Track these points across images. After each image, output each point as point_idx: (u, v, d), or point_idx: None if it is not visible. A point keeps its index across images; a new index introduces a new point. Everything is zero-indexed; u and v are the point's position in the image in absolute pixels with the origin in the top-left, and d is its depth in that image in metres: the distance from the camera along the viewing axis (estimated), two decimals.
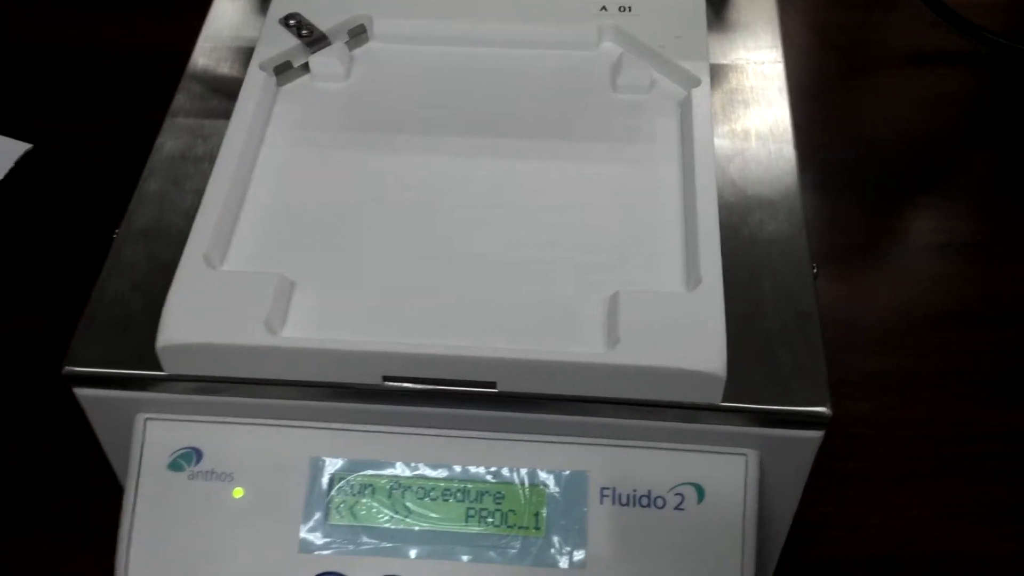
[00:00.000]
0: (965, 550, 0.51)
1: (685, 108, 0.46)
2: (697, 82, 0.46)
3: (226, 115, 0.47)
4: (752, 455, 0.39)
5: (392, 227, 0.41)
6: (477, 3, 0.50)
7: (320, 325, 0.38)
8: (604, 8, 0.49)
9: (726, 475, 0.38)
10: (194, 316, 0.37)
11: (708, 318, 0.37)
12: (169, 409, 0.39)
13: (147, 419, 0.39)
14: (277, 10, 0.49)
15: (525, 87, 0.47)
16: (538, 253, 0.40)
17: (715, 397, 0.37)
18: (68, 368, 0.38)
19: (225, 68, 0.50)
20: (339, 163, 0.44)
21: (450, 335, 0.37)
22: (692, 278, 0.39)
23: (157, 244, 0.42)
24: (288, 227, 0.41)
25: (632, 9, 0.49)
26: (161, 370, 0.38)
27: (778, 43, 0.51)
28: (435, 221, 0.41)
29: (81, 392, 0.39)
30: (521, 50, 0.49)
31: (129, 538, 0.38)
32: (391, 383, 0.37)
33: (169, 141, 0.46)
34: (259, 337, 0.36)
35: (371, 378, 0.37)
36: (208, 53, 0.51)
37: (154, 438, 0.39)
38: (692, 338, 0.36)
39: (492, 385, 0.37)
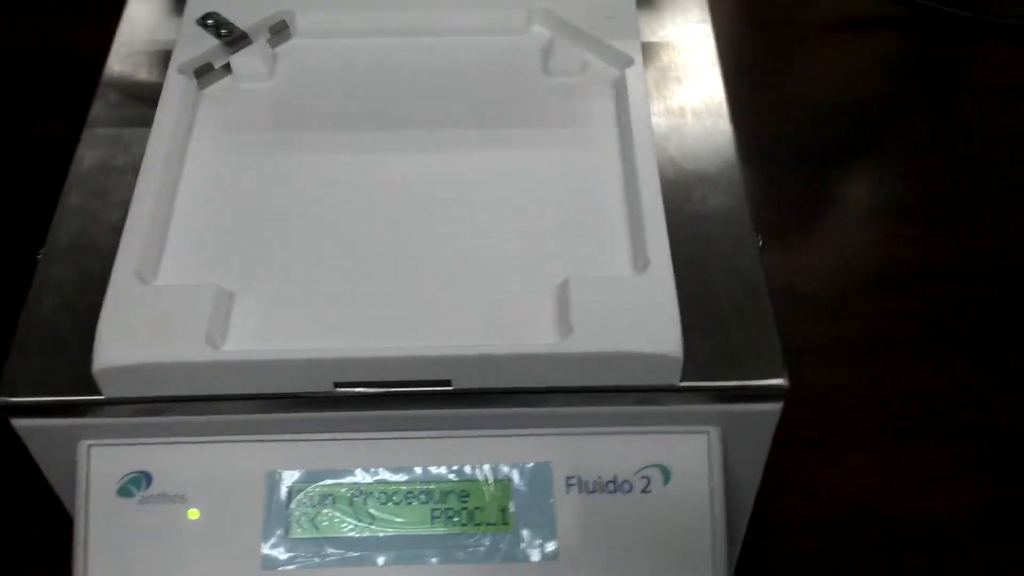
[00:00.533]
0: (918, 510, 0.52)
1: (620, 89, 0.45)
2: (630, 61, 0.46)
3: (146, 123, 0.45)
4: (714, 432, 0.38)
5: (328, 230, 0.40)
6: None
7: (263, 335, 0.36)
8: None
9: (689, 454, 0.38)
10: (130, 335, 0.35)
11: (660, 299, 0.37)
12: (113, 433, 0.38)
13: (90, 445, 0.38)
14: (194, 9, 0.47)
15: (455, 76, 0.46)
16: (482, 246, 0.39)
17: (673, 378, 0.37)
18: (2, 399, 0.36)
19: (143, 73, 0.48)
20: (268, 167, 0.42)
21: (399, 336, 0.36)
22: (640, 260, 0.38)
23: (85, 261, 0.40)
24: (221, 236, 0.40)
25: None
26: (100, 394, 0.36)
27: (707, 18, 0.51)
28: (372, 221, 0.40)
29: (19, 423, 0.37)
30: (449, 38, 0.48)
31: (85, 570, 0.36)
32: (343, 389, 0.36)
33: (88, 152, 0.44)
34: (201, 352, 0.35)
35: (322, 385, 0.36)
36: (124, 58, 0.49)
37: (100, 465, 0.37)
38: (645, 321, 0.36)
39: (447, 383, 0.36)
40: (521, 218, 0.41)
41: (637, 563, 0.37)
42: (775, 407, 0.38)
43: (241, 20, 0.47)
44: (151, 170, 0.40)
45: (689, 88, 0.47)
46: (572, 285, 0.37)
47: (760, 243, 0.42)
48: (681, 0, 0.51)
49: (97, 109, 0.46)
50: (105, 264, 0.40)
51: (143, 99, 0.46)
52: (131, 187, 0.42)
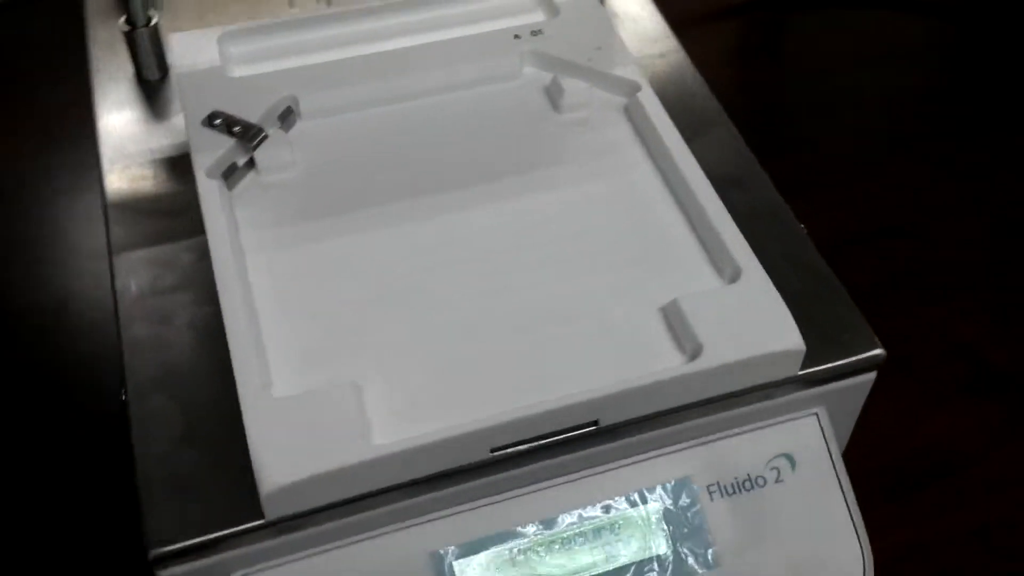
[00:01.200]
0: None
1: (634, 113, 0.47)
2: (637, 87, 0.48)
3: (176, 236, 0.44)
4: (821, 411, 0.41)
5: (418, 301, 0.40)
6: (391, 60, 0.49)
7: (406, 421, 0.36)
8: (517, 36, 0.50)
9: (806, 437, 0.41)
10: (290, 451, 0.34)
11: (768, 300, 0.39)
12: (268, 556, 0.36)
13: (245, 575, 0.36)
14: (194, 114, 0.46)
15: (470, 129, 0.47)
16: (570, 286, 0.41)
17: (793, 369, 0.39)
18: (156, 551, 0.35)
19: (149, 186, 0.46)
20: (330, 254, 0.42)
21: (538, 389, 0.37)
22: (728, 269, 0.40)
23: (176, 391, 0.39)
24: (318, 333, 0.39)
25: (543, 31, 0.50)
26: (258, 519, 0.35)
27: (669, 33, 0.54)
28: (456, 283, 0.41)
29: (167, 572, 0.35)
30: (449, 95, 0.49)
31: None
32: (498, 452, 0.37)
33: (130, 279, 0.42)
34: (365, 452, 0.35)
35: (478, 454, 0.37)
36: (121, 175, 0.47)
37: None
38: (764, 322, 0.38)
39: (595, 423, 0.37)
40: (593, 252, 0.42)
41: (791, 549, 0.39)
42: (872, 375, 0.41)
43: (244, 114, 0.46)
44: (229, 285, 0.39)
45: (682, 100, 0.49)
46: (683, 304, 0.38)
47: (805, 231, 0.45)
48: (639, 19, 0.53)
49: (117, 233, 0.44)
50: (201, 390, 0.38)
51: (161, 212, 0.45)
52: (193, 305, 0.41)
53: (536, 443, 0.37)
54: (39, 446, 0.58)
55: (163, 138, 0.49)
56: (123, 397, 0.39)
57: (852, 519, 0.40)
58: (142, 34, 0.50)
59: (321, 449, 0.35)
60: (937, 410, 0.61)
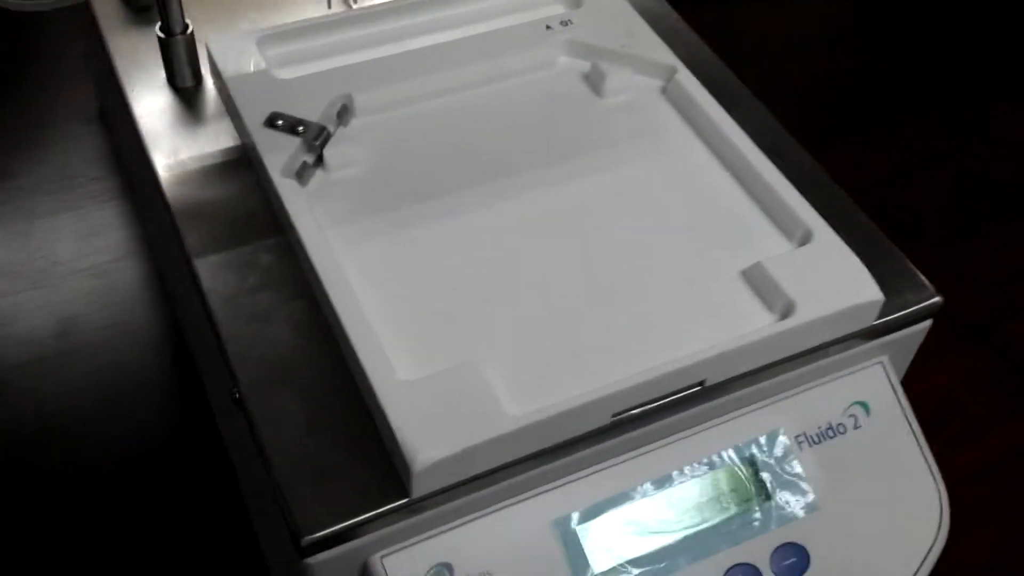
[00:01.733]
0: None
1: (675, 94, 0.50)
2: (674, 69, 0.50)
3: (250, 239, 0.44)
4: (885, 360, 0.44)
5: (514, 281, 0.42)
6: (435, 55, 0.50)
7: (529, 394, 0.38)
8: (549, 27, 0.52)
9: (876, 384, 0.44)
10: (434, 431, 0.36)
11: (843, 258, 0.42)
12: (404, 537, 0.37)
13: (383, 556, 0.37)
14: (253, 117, 0.46)
15: (520, 117, 0.49)
16: (648, 259, 0.43)
17: (870, 320, 0.42)
18: (308, 538, 0.35)
19: (210, 191, 0.47)
20: (412, 242, 0.43)
21: (647, 356, 0.39)
22: (799, 233, 0.43)
23: (292, 384, 0.39)
24: (424, 318, 0.40)
25: (573, 21, 0.52)
26: (402, 498, 0.36)
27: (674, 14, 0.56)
28: (542, 261, 0.42)
29: (314, 560, 0.36)
30: (494, 86, 0.50)
31: None
32: (617, 417, 0.39)
33: (216, 282, 0.43)
34: (504, 424, 0.36)
35: (601, 420, 0.38)
36: (180, 182, 0.47)
37: (400, 571, 0.37)
38: (844, 278, 0.41)
39: (701, 383, 0.40)
40: (663, 226, 0.44)
41: (876, 489, 0.42)
42: (928, 323, 0.44)
43: (302, 114, 0.47)
44: (334, 279, 0.40)
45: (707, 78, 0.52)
46: (768, 266, 0.41)
47: (845, 192, 0.48)
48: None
49: (192, 239, 0.44)
50: (313, 382, 0.39)
51: (229, 216, 0.45)
52: (286, 302, 0.42)
53: (650, 406, 0.39)
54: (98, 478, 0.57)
55: (212, 143, 0.49)
56: (235, 395, 0.39)
57: (925, 457, 0.43)
58: (178, 42, 0.50)
59: (462, 425, 0.36)
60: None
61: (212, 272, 0.43)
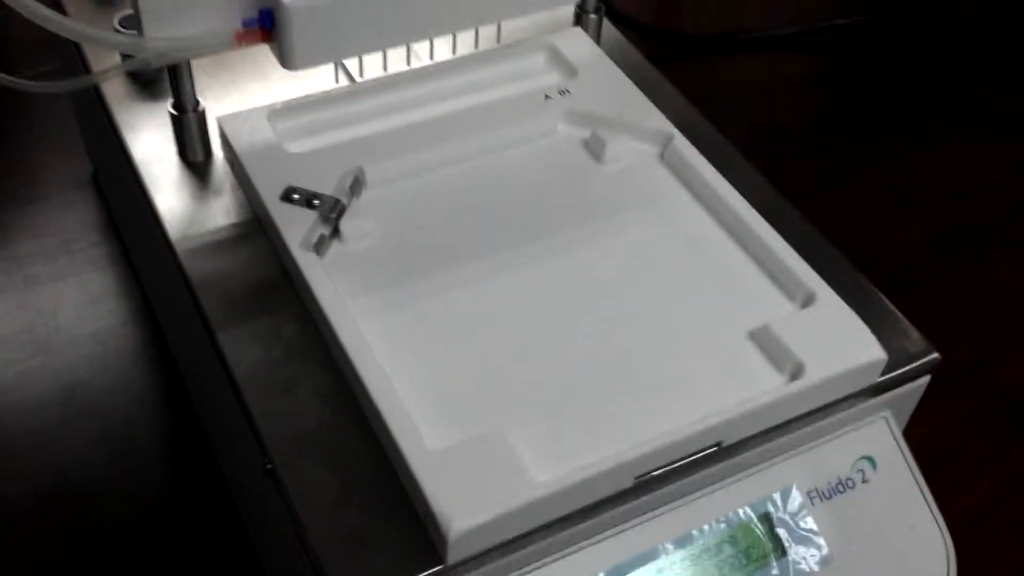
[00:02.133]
0: None
1: (672, 160, 0.52)
2: (670, 136, 0.52)
3: (271, 309, 0.45)
4: (888, 414, 0.46)
5: (527, 347, 0.43)
6: (440, 126, 0.52)
7: (554, 459, 0.39)
8: (548, 96, 0.54)
9: (880, 438, 0.46)
10: (465, 497, 0.37)
11: (846, 320, 0.44)
12: None
13: None
14: (269, 191, 0.48)
15: (525, 185, 0.50)
16: (658, 323, 0.44)
17: (874, 377, 0.44)
18: None
19: (228, 263, 0.48)
20: (430, 311, 0.44)
21: (665, 419, 0.40)
22: (800, 295, 0.45)
23: (321, 456, 0.40)
24: (446, 387, 0.42)
25: (570, 91, 0.54)
26: (436, 565, 0.37)
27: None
28: (554, 327, 0.44)
29: None
30: (497, 154, 0.52)
31: None
32: (640, 479, 0.40)
33: (242, 354, 0.44)
34: (535, 490, 0.37)
35: (624, 483, 0.40)
36: (196, 255, 0.48)
37: None
38: (849, 339, 0.43)
39: (718, 444, 0.41)
40: (670, 290, 0.46)
41: (887, 540, 0.44)
42: (927, 378, 0.46)
43: (315, 187, 0.48)
44: (359, 350, 0.41)
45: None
46: (775, 328, 0.43)
47: (840, 253, 0.50)
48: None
49: (214, 313, 0.45)
50: (343, 452, 0.40)
51: (249, 288, 0.46)
52: (311, 374, 0.43)
53: (670, 467, 0.40)
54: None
55: (225, 216, 0.50)
56: (267, 467, 0.40)
57: (930, 507, 0.45)
58: (190, 119, 0.51)
59: (492, 493, 0.37)
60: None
61: (236, 345, 0.44)
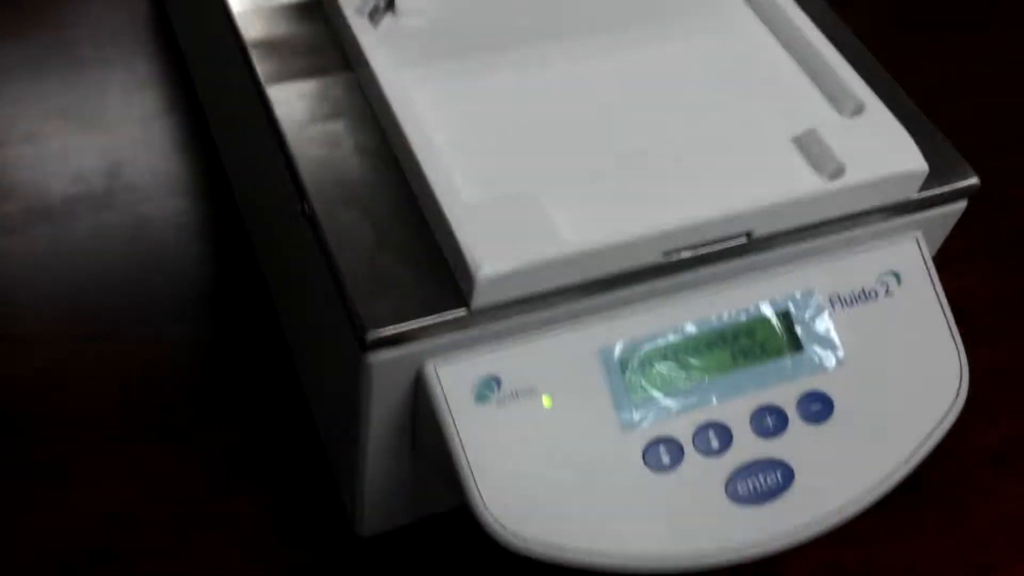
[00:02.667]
0: None
1: None
2: None
3: (320, 72, 0.46)
4: (920, 235, 0.46)
5: (574, 131, 0.43)
6: None
7: (585, 227, 0.40)
8: None
9: (909, 257, 0.46)
10: (496, 246, 0.38)
11: (892, 130, 0.44)
12: (458, 348, 0.40)
13: (437, 365, 0.40)
14: None
15: None
16: (704, 123, 0.44)
17: (913, 191, 0.44)
18: (372, 333, 0.37)
19: (282, 28, 0.48)
20: (483, 86, 0.44)
21: (700, 205, 0.41)
22: (850, 105, 0.45)
23: (359, 205, 0.41)
24: (489, 153, 0.42)
25: None
26: (461, 308, 0.38)
27: None
28: (603, 116, 0.44)
29: (375, 358, 0.38)
30: None
31: (473, 477, 0.39)
32: (669, 257, 0.41)
33: (290, 108, 0.44)
34: (565, 246, 0.38)
35: (653, 257, 0.40)
36: (252, 17, 0.48)
37: (451, 379, 0.40)
38: (894, 148, 0.43)
39: (747, 235, 0.42)
40: (721, 91, 0.46)
41: (903, 352, 0.45)
42: (963, 203, 0.46)
43: None
44: (404, 105, 0.42)
45: None
46: (822, 132, 0.43)
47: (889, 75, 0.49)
48: None
49: (264, 68, 0.46)
50: (382, 203, 0.41)
51: (300, 51, 0.47)
52: (355, 132, 0.43)
53: (699, 251, 0.41)
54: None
55: None
56: (304, 211, 0.41)
57: (950, 327, 0.46)
58: None
59: (522, 244, 0.38)
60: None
61: (284, 100, 0.44)
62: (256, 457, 0.53)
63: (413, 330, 0.38)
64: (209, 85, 0.65)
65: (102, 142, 0.67)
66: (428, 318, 0.38)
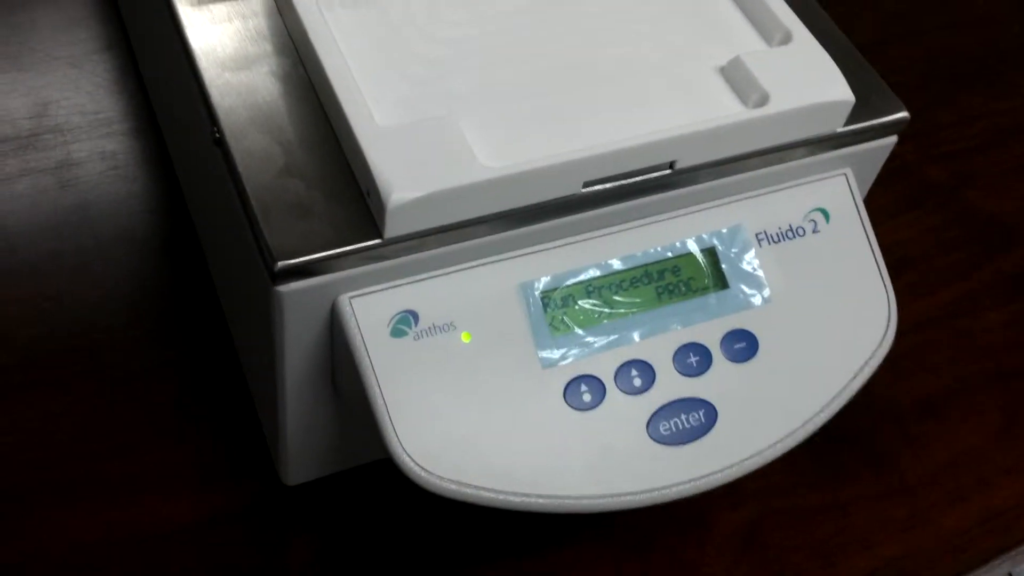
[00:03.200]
0: None
1: None
2: None
3: None
4: (849, 172, 0.46)
5: (493, 52, 0.42)
6: None
7: (504, 152, 0.38)
8: None
9: (837, 194, 0.45)
10: (410, 171, 0.36)
11: (819, 60, 0.43)
12: (374, 281, 0.39)
13: (351, 297, 0.38)
14: None
15: None
16: (627, 48, 0.43)
17: (839, 123, 0.43)
18: (281, 263, 0.36)
19: None
20: (400, 7, 0.43)
21: (622, 131, 0.40)
22: (777, 35, 0.44)
23: (274, 130, 0.40)
24: (406, 76, 0.41)
25: None
26: (374, 238, 0.37)
27: None
28: (524, 36, 0.43)
29: (286, 288, 0.37)
30: None
31: (388, 416, 0.38)
32: (589, 188, 0.40)
33: (202, 31, 0.43)
34: (482, 173, 0.37)
35: (573, 188, 0.39)
36: None
37: (366, 313, 0.38)
38: (820, 77, 0.42)
39: (671, 165, 0.41)
40: (648, 19, 0.45)
41: (831, 290, 0.44)
42: (892, 139, 0.46)
43: None
44: (318, 27, 0.40)
45: None
46: (746, 60, 0.42)
47: (819, 5, 0.48)
48: None
49: None
50: (293, 128, 0.40)
51: None
52: (269, 56, 0.42)
53: (622, 182, 0.40)
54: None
55: None
56: (216, 135, 0.40)
57: (878, 265, 0.45)
58: None
59: (437, 169, 0.37)
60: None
61: (197, 21, 0.43)
62: (187, 405, 0.52)
63: (325, 260, 0.37)
64: (135, 19, 0.63)
65: (29, 82, 0.65)
66: (340, 248, 0.37)
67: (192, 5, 0.43)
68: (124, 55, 0.67)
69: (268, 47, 0.42)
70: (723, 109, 0.41)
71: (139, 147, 0.62)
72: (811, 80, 0.42)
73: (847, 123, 0.44)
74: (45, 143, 0.62)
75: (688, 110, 0.41)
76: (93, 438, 0.51)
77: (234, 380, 0.53)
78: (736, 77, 0.42)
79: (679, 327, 0.42)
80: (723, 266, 0.43)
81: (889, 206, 0.67)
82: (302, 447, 0.46)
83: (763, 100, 0.41)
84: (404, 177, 0.36)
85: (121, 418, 0.51)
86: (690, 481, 0.41)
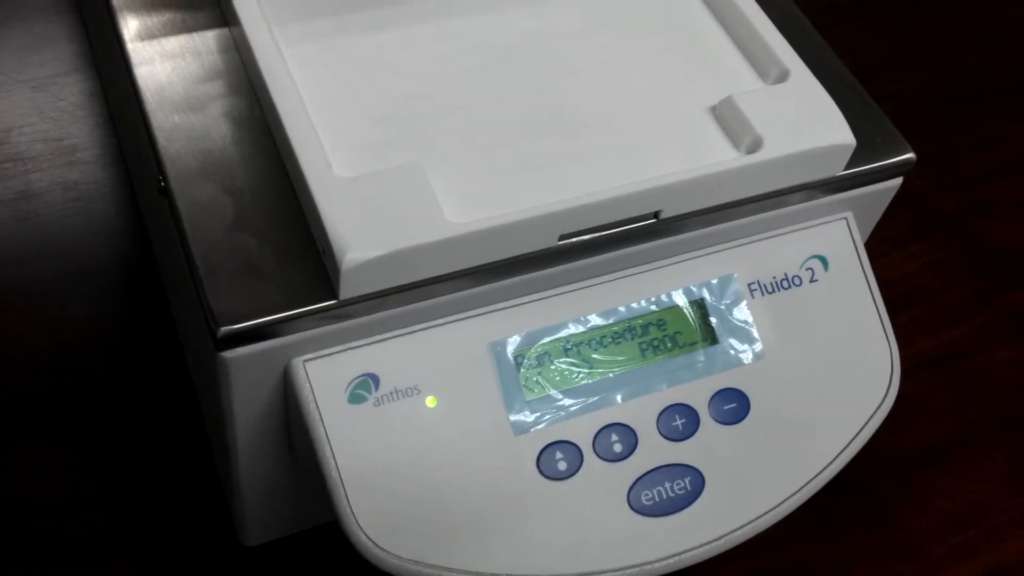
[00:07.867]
0: None
1: None
2: None
3: (191, 28, 0.41)
4: (850, 216, 0.42)
5: (466, 97, 0.39)
6: None
7: (473, 205, 0.36)
8: None
9: (837, 240, 0.42)
10: (366, 228, 0.33)
11: (819, 99, 0.39)
12: (329, 343, 0.36)
13: (305, 361, 0.35)
14: None
15: None
16: (615, 89, 0.40)
17: (840, 167, 0.40)
18: (225, 329, 0.33)
19: None
20: (365, 48, 0.40)
21: (602, 180, 0.37)
22: (773, 72, 0.41)
23: (222, 179, 0.37)
24: (370, 121, 0.38)
25: None
26: (329, 299, 0.34)
27: None
28: (502, 81, 0.40)
29: (231, 354, 0.34)
30: None
31: (344, 489, 0.35)
32: (566, 241, 0.37)
33: (151, 67, 0.40)
34: (447, 229, 0.34)
35: (548, 241, 0.36)
36: None
37: (322, 378, 0.35)
38: (816, 119, 0.39)
39: (656, 215, 0.38)
40: (635, 54, 0.42)
41: (829, 344, 0.41)
42: (898, 180, 0.43)
43: None
44: (276, 70, 0.37)
45: None
46: (739, 101, 0.39)
47: (825, 43, 0.45)
48: None
49: (129, 24, 0.41)
50: (244, 177, 0.37)
51: (172, 4, 0.42)
52: (224, 96, 0.39)
53: (601, 233, 0.37)
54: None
55: None
56: (161, 183, 0.37)
57: (880, 317, 0.42)
58: None
59: (397, 226, 0.34)
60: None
61: (146, 56, 0.40)
62: (145, 460, 0.49)
63: (275, 323, 0.34)
64: (100, 41, 0.60)
65: None
66: (291, 311, 0.34)
67: (142, 39, 0.40)
68: (93, 78, 0.64)
69: (223, 86, 0.39)
70: (712, 155, 0.38)
71: (104, 177, 0.59)
72: (809, 121, 0.39)
73: (848, 166, 0.40)
74: (3, 172, 0.59)
75: (675, 156, 0.38)
76: (47, 493, 0.48)
77: (195, 432, 0.50)
78: (728, 118, 0.39)
79: (664, 387, 0.39)
80: (712, 319, 0.40)
81: (895, 236, 0.64)
82: (259, 508, 0.43)
83: (756, 145, 0.38)
84: (361, 234, 0.33)
85: (74, 475, 0.48)
86: (674, 556, 0.38)
